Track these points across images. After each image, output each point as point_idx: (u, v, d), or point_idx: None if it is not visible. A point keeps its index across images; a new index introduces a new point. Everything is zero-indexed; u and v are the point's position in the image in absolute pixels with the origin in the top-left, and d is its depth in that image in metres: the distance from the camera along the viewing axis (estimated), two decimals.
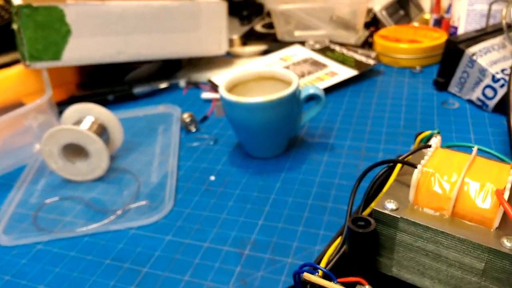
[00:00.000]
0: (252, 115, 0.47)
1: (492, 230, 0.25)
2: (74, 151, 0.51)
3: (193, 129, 0.59)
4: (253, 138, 0.51)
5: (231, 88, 0.52)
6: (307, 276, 0.18)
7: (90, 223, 0.44)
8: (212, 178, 0.50)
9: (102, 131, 0.53)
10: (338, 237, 0.30)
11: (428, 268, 0.27)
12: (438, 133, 0.35)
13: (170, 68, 0.80)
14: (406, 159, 0.32)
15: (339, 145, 0.54)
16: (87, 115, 0.53)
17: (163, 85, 0.73)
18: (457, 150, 0.31)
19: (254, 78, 0.54)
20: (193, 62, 0.80)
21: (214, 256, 0.39)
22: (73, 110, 0.53)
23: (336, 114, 0.61)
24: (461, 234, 0.25)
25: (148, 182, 0.50)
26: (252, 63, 0.75)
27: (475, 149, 0.30)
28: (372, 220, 0.27)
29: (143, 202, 0.46)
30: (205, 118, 0.63)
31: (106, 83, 0.76)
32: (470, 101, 0.59)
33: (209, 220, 0.43)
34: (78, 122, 0.53)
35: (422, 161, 0.28)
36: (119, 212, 0.45)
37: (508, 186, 0.26)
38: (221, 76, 0.72)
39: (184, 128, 0.60)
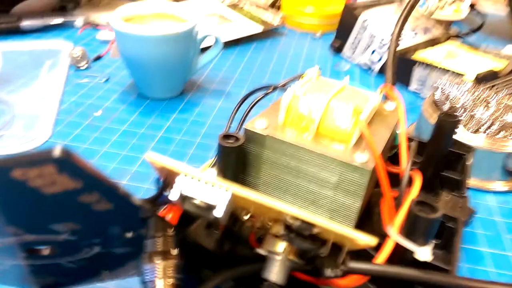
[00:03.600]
0: (145, 49, 0.45)
1: (349, 147, 0.27)
2: None
3: (84, 66, 0.56)
4: (147, 76, 0.49)
5: (126, 20, 0.49)
6: (149, 156, 0.18)
7: None
8: (98, 113, 0.47)
9: None
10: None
11: (290, 186, 0.28)
12: (319, 69, 0.36)
13: (67, 3, 0.74)
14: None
15: (236, 93, 0.54)
16: None
17: (56, 20, 0.67)
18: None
19: (153, 14, 0.51)
20: (94, 0, 0.75)
21: None
22: None
23: (237, 66, 0.62)
24: (319, 150, 0.27)
25: (25, 113, 0.46)
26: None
27: (346, 78, 0.32)
28: (240, 137, 0.28)
29: (16, 130, 0.43)
30: (98, 57, 0.59)
31: None
32: (359, 65, 0.63)
33: (88, 152, 0.41)
34: None
35: (294, 85, 0.30)
36: None
37: (368, 107, 0.28)
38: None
39: (74, 64, 0.56)
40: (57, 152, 0.12)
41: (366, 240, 0.17)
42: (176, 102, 0.51)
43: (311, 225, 0.18)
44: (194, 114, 0.49)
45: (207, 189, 0.18)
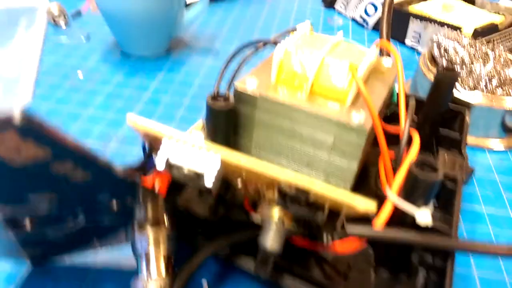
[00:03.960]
0: (126, 4, 0.42)
1: (345, 106, 0.26)
2: None
3: (62, 24, 0.52)
4: (129, 33, 0.46)
5: None
6: (130, 118, 0.17)
7: None
8: (80, 74, 0.45)
9: None
10: None
11: (284, 147, 0.27)
12: (311, 25, 0.34)
13: None
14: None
15: (224, 50, 0.52)
16: None
17: None
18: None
19: None
20: None
21: None
22: None
23: (224, 22, 0.59)
24: (314, 110, 0.25)
25: (2, 76, 0.43)
26: None
27: (339, 33, 0.30)
28: (230, 97, 0.26)
29: None
30: (78, 14, 0.56)
31: None
32: (353, 19, 0.61)
33: (71, 115, 0.39)
34: None
35: (286, 41, 0.28)
36: None
37: (364, 62, 0.26)
38: None
39: (52, 22, 0.53)
40: (16, 118, 0.10)
41: (365, 206, 0.16)
42: (161, 61, 0.48)
43: (306, 193, 0.17)
44: (181, 73, 0.47)
45: (195, 155, 0.17)
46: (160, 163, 0.16)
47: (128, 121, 0.17)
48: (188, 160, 0.16)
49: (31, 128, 0.11)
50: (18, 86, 0.42)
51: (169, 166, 0.17)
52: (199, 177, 0.17)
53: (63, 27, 0.53)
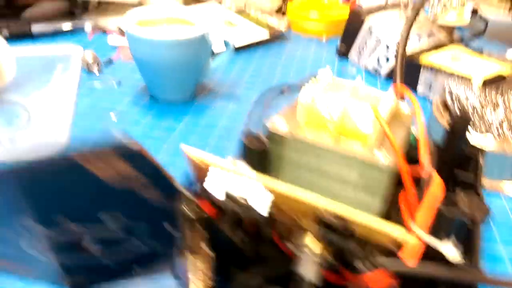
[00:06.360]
0: (159, 53, 0.46)
1: (368, 146, 0.28)
2: None
3: (96, 70, 0.56)
4: (159, 80, 0.50)
5: (138, 25, 0.50)
6: (184, 147, 0.19)
7: None
8: (113, 116, 0.48)
9: None
10: None
11: (312, 184, 0.29)
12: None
13: (75, 8, 0.74)
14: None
15: (246, 96, 0.55)
16: None
17: (66, 27, 0.68)
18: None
19: (166, 19, 0.52)
20: (103, 6, 0.76)
21: None
22: None
23: (245, 70, 0.62)
24: (340, 149, 0.27)
25: (41, 116, 0.46)
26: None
27: (358, 78, 0.33)
28: (265, 139, 0.28)
29: (33, 133, 0.43)
30: (110, 62, 0.60)
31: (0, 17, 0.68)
32: (366, 68, 0.64)
33: None
34: None
35: (310, 86, 0.30)
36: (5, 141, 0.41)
37: (386, 105, 0.28)
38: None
39: (86, 69, 0.57)
40: (134, 147, 0.12)
41: (402, 236, 0.18)
42: (188, 105, 0.51)
43: (345, 221, 0.18)
44: (206, 116, 0.49)
45: (250, 188, 0.19)
46: (220, 194, 0.18)
47: (183, 148, 0.20)
48: (242, 191, 0.18)
49: (137, 156, 0.13)
50: (55, 125, 0.45)
51: (227, 197, 0.19)
52: (251, 208, 0.19)
53: (96, 73, 0.56)
